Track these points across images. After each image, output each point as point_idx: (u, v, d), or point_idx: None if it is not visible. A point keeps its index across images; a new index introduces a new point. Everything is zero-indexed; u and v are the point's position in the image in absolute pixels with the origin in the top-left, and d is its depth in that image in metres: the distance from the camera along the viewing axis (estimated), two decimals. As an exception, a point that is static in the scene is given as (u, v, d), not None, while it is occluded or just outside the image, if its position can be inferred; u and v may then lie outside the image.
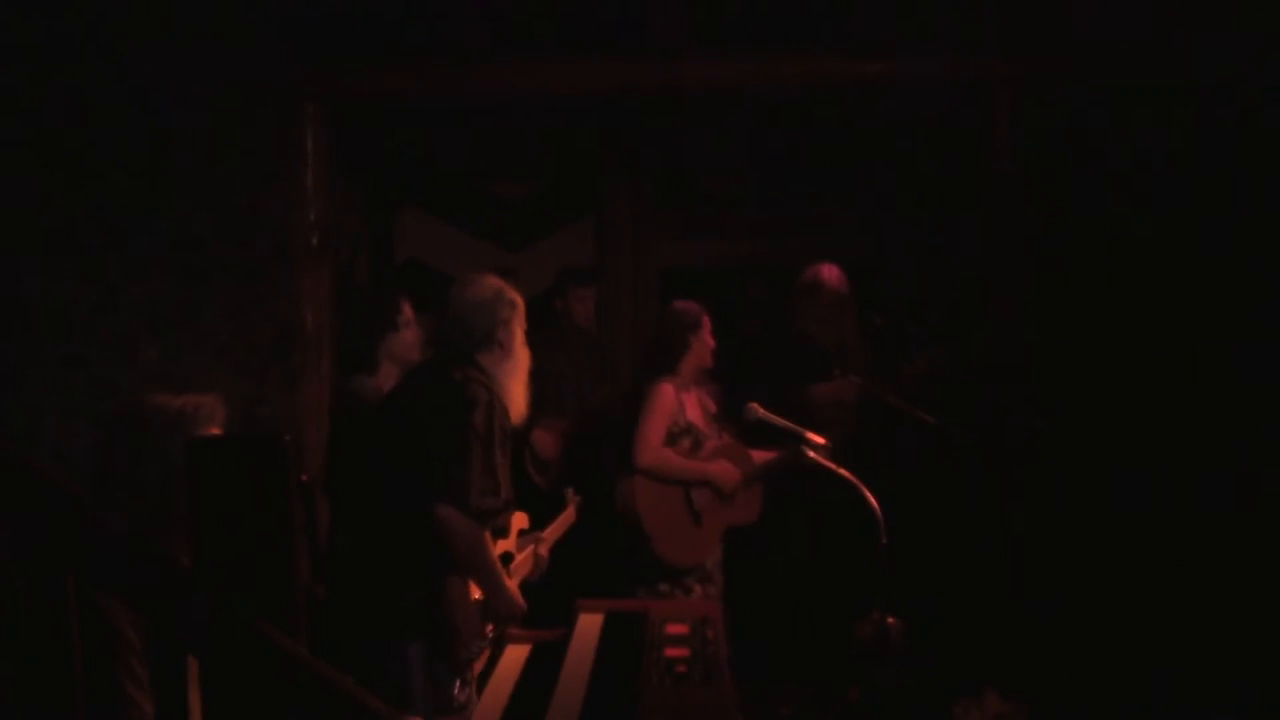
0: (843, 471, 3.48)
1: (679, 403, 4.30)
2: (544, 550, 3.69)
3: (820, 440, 3.76)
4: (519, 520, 3.61)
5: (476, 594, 3.31)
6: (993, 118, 4.92)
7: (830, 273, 4.97)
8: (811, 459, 3.69)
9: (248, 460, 1.41)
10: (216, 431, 2.21)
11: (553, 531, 3.81)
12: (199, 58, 4.78)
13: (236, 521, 1.40)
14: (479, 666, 3.10)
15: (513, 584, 3.36)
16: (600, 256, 6.35)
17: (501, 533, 3.43)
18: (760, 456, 4.42)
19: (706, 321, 4.37)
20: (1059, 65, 4.82)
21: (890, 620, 3.29)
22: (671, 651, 2.70)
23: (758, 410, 3.97)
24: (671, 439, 4.26)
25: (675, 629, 2.89)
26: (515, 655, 2.98)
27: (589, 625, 3.07)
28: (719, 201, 6.41)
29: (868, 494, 3.35)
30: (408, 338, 4.07)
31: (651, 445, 4.19)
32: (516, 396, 3.41)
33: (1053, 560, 4.87)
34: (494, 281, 3.46)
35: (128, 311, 4.86)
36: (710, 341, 4.37)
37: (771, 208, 6.36)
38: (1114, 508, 4.76)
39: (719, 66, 4.91)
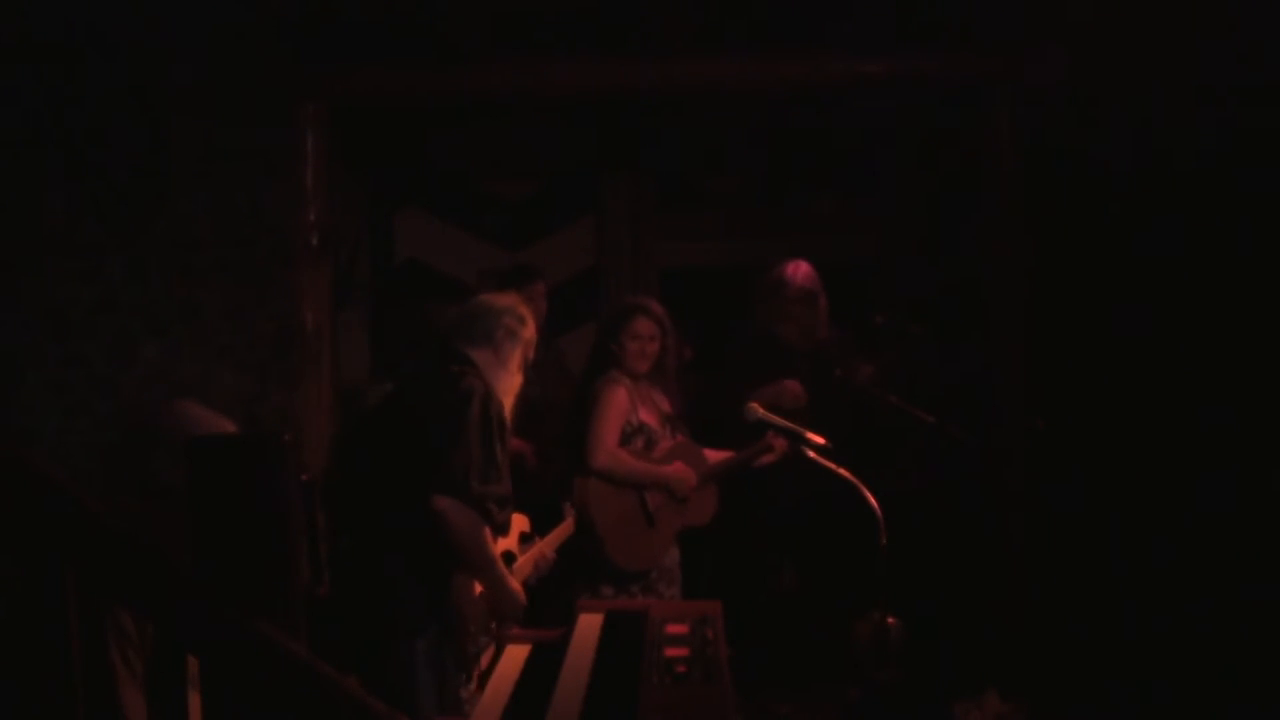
0: (843, 471, 3.48)
1: (631, 402, 4.22)
2: (549, 550, 3.69)
3: (820, 440, 3.74)
4: (520, 522, 3.61)
5: (479, 589, 3.31)
6: (993, 118, 4.92)
7: (797, 269, 4.81)
8: (812, 459, 3.68)
9: (248, 460, 1.41)
10: None
11: (550, 541, 3.80)
12: (199, 57, 4.78)
13: (236, 521, 1.40)
14: (485, 662, 3.10)
15: (514, 581, 3.37)
16: (600, 256, 6.34)
17: (502, 530, 3.43)
18: (714, 456, 4.39)
19: (632, 327, 4.19)
20: (1058, 65, 4.82)
21: (890, 620, 3.29)
22: (671, 651, 2.70)
23: (758, 410, 3.95)
24: (625, 439, 4.18)
25: (675, 629, 2.89)
26: (515, 655, 2.98)
27: (589, 625, 3.07)
28: (719, 201, 6.40)
29: (868, 494, 3.35)
30: None
31: (606, 446, 4.11)
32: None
33: (1052, 560, 4.86)
34: (514, 298, 3.58)
35: (127, 311, 4.85)
36: (631, 346, 4.18)
37: (772, 208, 6.36)
38: (1113, 508, 4.75)
39: (719, 66, 4.91)
